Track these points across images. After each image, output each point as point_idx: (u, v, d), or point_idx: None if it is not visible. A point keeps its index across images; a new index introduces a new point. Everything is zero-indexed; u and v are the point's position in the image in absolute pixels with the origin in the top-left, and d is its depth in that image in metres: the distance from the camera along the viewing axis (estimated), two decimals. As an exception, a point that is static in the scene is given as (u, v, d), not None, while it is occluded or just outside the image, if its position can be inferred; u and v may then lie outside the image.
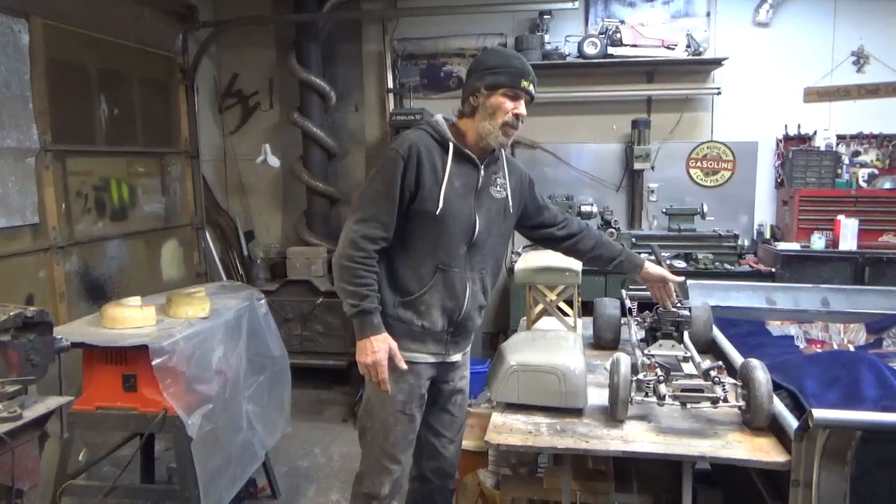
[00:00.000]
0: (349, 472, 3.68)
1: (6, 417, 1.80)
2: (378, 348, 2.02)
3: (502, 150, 2.26)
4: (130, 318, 2.65)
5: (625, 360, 2.01)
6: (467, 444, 2.66)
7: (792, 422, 1.84)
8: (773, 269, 4.33)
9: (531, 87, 2.11)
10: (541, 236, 2.48)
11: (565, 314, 2.95)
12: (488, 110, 2.09)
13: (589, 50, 4.75)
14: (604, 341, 2.83)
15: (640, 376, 2.04)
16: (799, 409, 2.02)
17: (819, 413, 1.62)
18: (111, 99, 4.16)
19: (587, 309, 3.05)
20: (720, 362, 2.11)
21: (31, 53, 3.47)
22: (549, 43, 4.94)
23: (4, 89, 3.29)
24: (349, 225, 2.08)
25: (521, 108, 2.10)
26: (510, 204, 2.25)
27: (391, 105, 5.30)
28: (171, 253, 4.78)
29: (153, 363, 2.44)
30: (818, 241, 4.37)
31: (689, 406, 1.98)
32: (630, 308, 2.85)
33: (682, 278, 2.48)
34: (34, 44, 3.48)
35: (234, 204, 5.75)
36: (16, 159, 3.37)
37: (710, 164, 5.02)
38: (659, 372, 2.03)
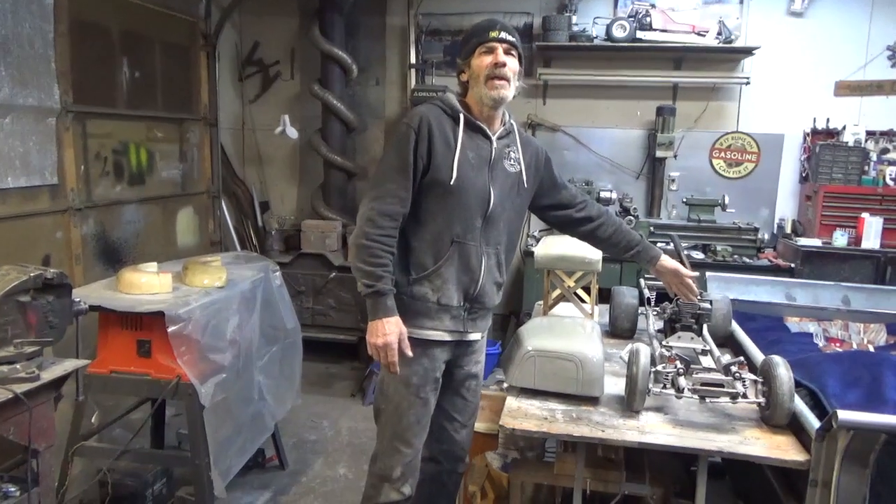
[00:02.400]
0: (357, 446, 3.72)
1: (24, 378, 1.81)
2: (390, 331, 2.00)
3: (515, 125, 2.26)
4: (147, 284, 2.65)
5: (644, 351, 1.98)
6: (478, 426, 2.65)
7: (813, 421, 1.81)
8: (793, 265, 4.28)
9: (503, 34, 2.09)
10: (557, 219, 2.43)
11: (582, 301, 2.93)
12: (474, 76, 2.11)
13: (618, 33, 4.66)
14: (620, 330, 2.81)
15: (659, 368, 2.01)
16: (818, 408, 1.99)
17: (844, 414, 1.59)
18: (133, 62, 4.13)
19: (603, 296, 3.02)
20: (741, 357, 2.08)
21: (56, 12, 3.43)
22: (576, 24, 4.86)
23: (28, 48, 3.27)
24: (366, 203, 2.06)
25: (499, 56, 2.08)
26: (524, 178, 2.23)
27: (412, 81, 5.25)
28: (187, 220, 4.77)
29: (169, 330, 2.45)
30: (840, 239, 4.30)
31: (707, 400, 1.95)
32: (648, 298, 2.82)
33: (696, 273, 2.43)
34: (59, 2, 3.44)
35: (251, 174, 5.74)
36: (37, 119, 3.35)
37: (734, 156, 4.94)
38: (678, 364, 2.00)
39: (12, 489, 1.86)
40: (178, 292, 2.69)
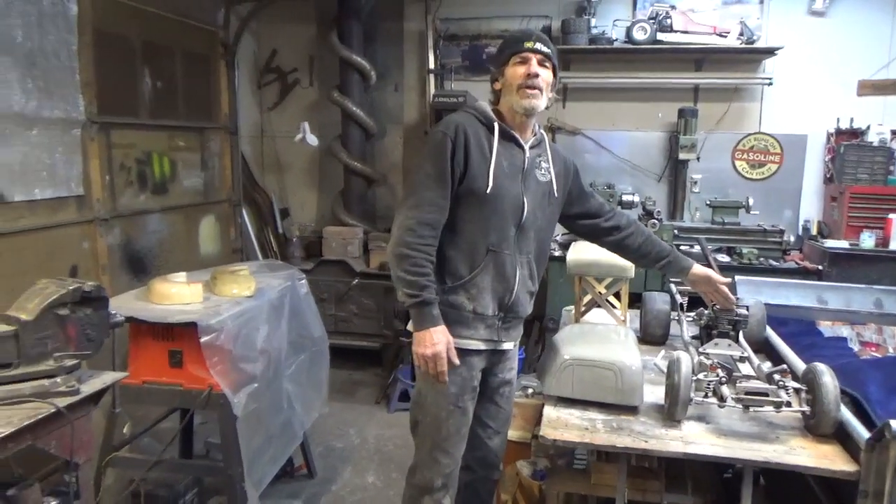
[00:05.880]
0: (384, 454, 3.71)
1: (65, 392, 1.81)
2: (438, 340, 2.00)
3: (545, 135, 2.26)
4: (178, 295, 2.65)
5: (685, 360, 1.95)
6: (509, 434, 2.63)
7: (860, 430, 1.78)
8: (820, 267, 4.22)
9: (537, 45, 2.11)
10: (586, 227, 2.42)
11: (612, 306, 2.90)
12: (507, 85, 2.12)
13: (638, 35, 4.63)
14: (652, 336, 2.77)
15: (700, 376, 1.99)
16: (862, 416, 1.96)
17: (898, 424, 1.56)
18: (154, 72, 4.15)
19: (630, 301, 2.99)
20: (785, 366, 2.04)
21: (79, 24, 3.45)
22: (595, 27, 4.84)
23: (54, 59, 3.29)
24: (403, 212, 2.05)
25: (533, 66, 2.09)
26: (554, 188, 2.23)
27: (431, 86, 5.23)
28: (209, 228, 4.78)
29: (201, 340, 2.44)
30: (867, 240, 4.24)
31: (751, 409, 1.92)
32: (681, 303, 2.78)
33: (728, 279, 2.39)
34: (82, 14, 3.46)
35: (270, 181, 5.75)
36: (63, 130, 3.37)
37: (757, 157, 4.89)
38: (720, 373, 1.97)
39: (53, 503, 1.86)
40: (208, 302, 2.69)
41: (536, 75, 2.08)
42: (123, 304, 2.62)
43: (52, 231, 3.33)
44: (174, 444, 3.08)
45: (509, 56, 2.11)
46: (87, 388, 1.88)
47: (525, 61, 2.09)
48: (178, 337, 2.56)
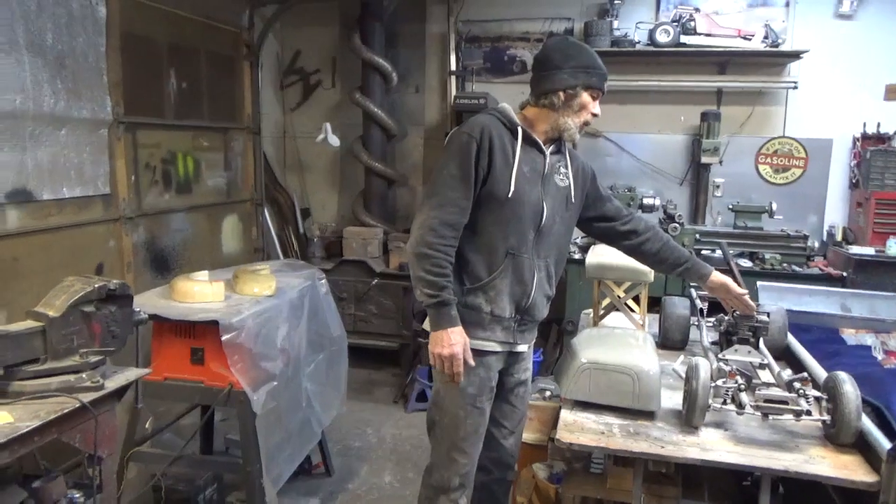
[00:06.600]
0: (401, 454, 3.73)
1: (90, 387, 1.85)
2: (455, 341, 2.01)
3: (564, 141, 2.25)
4: (200, 293, 2.69)
5: (704, 366, 1.95)
6: (526, 436, 2.64)
7: (882, 441, 1.76)
8: (844, 274, 4.16)
9: None
10: (601, 230, 2.41)
11: (631, 310, 2.89)
12: (575, 108, 2.11)
13: (661, 38, 4.60)
14: (671, 342, 2.76)
15: (719, 383, 1.98)
16: (885, 426, 1.93)
17: (920, 435, 1.54)
18: (180, 73, 4.21)
19: (651, 305, 2.97)
20: (805, 374, 2.03)
21: (108, 26, 3.51)
22: (618, 29, 4.81)
23: (82, 61, 3.35)
24: (425, 212, 2.06)
25: (598, 108, 2.16)
26: (573, 193, 2.24)
27: (453, 88, 5.25)
28: (231, 227, 4.84)
29: (222, 339, 2.48)
30: (894, 247, 4.17)
31: (770, 417, 1.91)
32: (701, 309, 2.77)
33: (745, 291, 2.37)
34: (110, 17, 3.52)
35: (292, 181, 5.80)
36: (90, 130, 3.44)
37: (781, 161, 4.83)
38: (739, 380, 1.96)
39: (77, 496, 1.90)
40: (230, 301, 2.73)
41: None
42: (147, 302, 2.66)
43: (79, 229, 3.40)
44: (195, 440, 3.13)
45: (592, 85, 2.10)
46: (111, 384, 1.92)
47: (596, 98, 2.14)
48: (200, 335, 2.60)
